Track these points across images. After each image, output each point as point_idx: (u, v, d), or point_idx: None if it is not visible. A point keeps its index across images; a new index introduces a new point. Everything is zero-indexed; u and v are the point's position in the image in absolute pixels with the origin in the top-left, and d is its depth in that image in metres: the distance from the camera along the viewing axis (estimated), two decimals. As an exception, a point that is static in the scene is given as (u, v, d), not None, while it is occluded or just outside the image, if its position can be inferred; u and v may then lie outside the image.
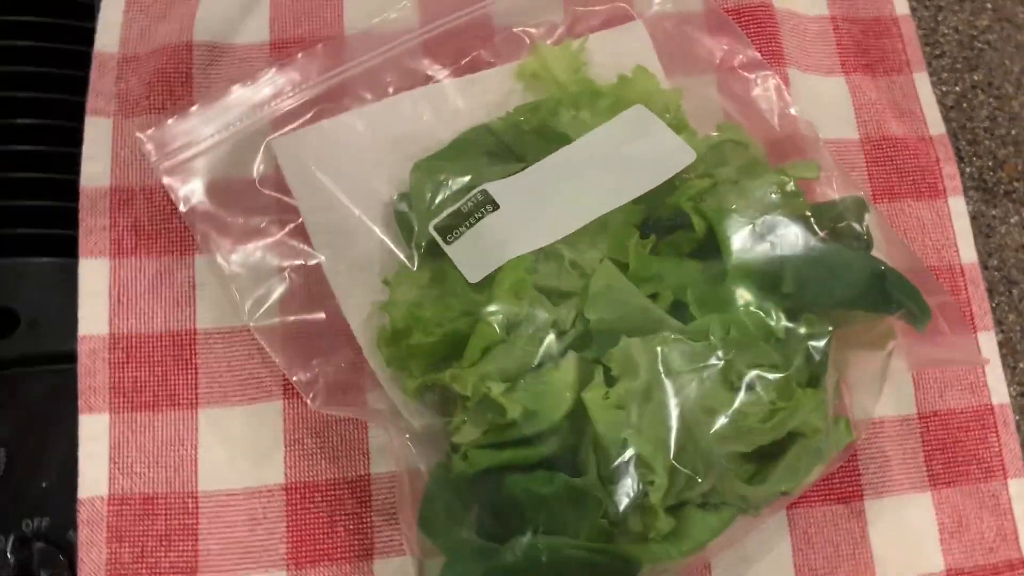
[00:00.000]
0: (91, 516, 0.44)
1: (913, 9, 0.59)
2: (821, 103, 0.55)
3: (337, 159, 0.46)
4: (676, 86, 0.49)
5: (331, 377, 0.44)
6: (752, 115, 0.49)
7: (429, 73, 0.50)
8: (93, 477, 0.45)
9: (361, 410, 0.45)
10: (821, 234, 0.43)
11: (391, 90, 0.49)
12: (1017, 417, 0.51)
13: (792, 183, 0.44)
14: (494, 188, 0.44)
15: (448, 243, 0.43)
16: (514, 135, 0.47)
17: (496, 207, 0.43)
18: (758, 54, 0.50)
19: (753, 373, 0.40)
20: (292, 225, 0.46)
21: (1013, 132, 0.56)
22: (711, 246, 0.43)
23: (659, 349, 0.40)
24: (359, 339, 0.44)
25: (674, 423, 0.39)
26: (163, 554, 0.45)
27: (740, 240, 0.42)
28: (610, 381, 0.40)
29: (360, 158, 0.46)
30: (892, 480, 0.49)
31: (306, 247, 0.45)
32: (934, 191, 0.54)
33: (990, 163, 0.56)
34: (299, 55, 0.48)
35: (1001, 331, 0.53)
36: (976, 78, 0.58)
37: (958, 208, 0.54)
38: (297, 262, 0.45)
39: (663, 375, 0.39)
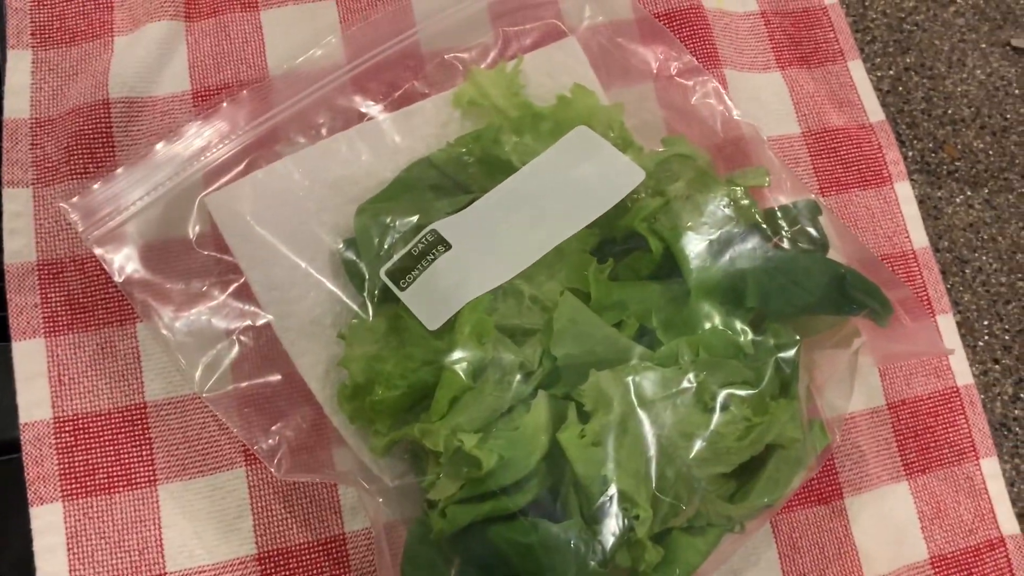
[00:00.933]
0: (54, 614, 0.42)
1: (840, -3, 0.58)
2: (760, 101, 0.55)
3: (275, 210, 0.44)
4: (615, 99, 0.48)
5: (293, 441, 0.42)
6: (694, 123, 0.49)
7: (362, 110, 0.48)
8: (51, 571, 0.43)
9: (329, 473, 0.43)
10: (777, 241, 0.42)
11: (324, 131, 0.47)
12: (982, 395, 0.52)
13: (743, 193, 0.43)
14: (444, 227, 0.42)
15: (402, 289, 0.41)
16: (457, 167, 0.46)
17: (448, 247, 0.42)
18: (694, 59, 0.50)
19: (726, 392, 0.39)
20: (235, 285, 0.44)
21: (949, 111, 0.57)
22: (669, 266, 0.42)
23: (630, 379, 0.39)
24: (319, 398, 0.42)
25: (653, 453, 0.38)
26: (136, 644, 0.42)
27: (698, 258, 0.42)
28: (583, 417, 0.39)
29: (299, 207, 0.44)
30: (869, 474, 0.49)
31: (252, 307, 0.43)
32: (880, 178, 0.55)
33: (931, 145, 0.56)
34: (224, 103, 0.46)
35: (958, 311, 0.53)
36: (909, 60, 0.58)
37: (905, 193, 0.54)
38: (245, 323, 0.43)
39: (637, 406, 0.39)
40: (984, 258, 0.51)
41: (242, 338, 0.43)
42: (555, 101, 0.47)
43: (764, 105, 0.55)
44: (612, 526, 0.38)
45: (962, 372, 0.52)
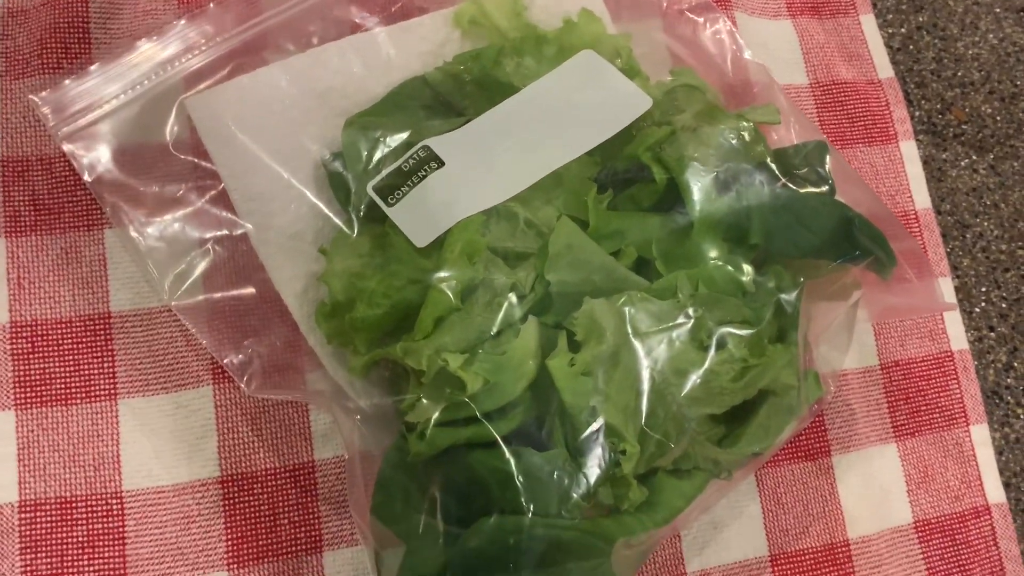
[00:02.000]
0: (1, 525, 0.40)
1: (856, -51, 0.57)
2: (769, 48, 0.53)
3: (259, 117, 0.42)
4: (623, 31, 0.46)
5: (266, 358, 0.40)
6: (704, 59, 0.47)
7: (357, 20, 0.45)
8: (1, 482, 0.40)
9: (302, 392, 0.41)
10: (784, 181, 0.41)
11: (315, 40, 0.44)
12: (976, 362, 0.51)
13: (752, 128, 0.41)
14: (437, 143, 0.40)
15: (390, 205, 0.39)
16: (453, 87, 0.43)
17: (441, 164, 0.40)
18: None
19: (723, 330, 0.38)
20: (213, 192, 0.41)
21: (959, 74, 0.55)
22: (672, 198, 0.40)
23: (626, 310, 0.37)
24: (295, 315, 0.40)
25: (644, 387, 0.37)
26: (86, 562, 0.40)
27: (703, 191, 0.40)
28: (574, 346, 0.37)
29: (285, 116, 0.42)
30: (858, 433, 0.48)
31: (230, 215, 0.41)
32: (885, 136, 0.53)
33: (938, 106, 0.55)
34: (211, 5, 0.43)
35: (957, 276, 0.52)
36: (921, 19, 0.56)
37: (910, 152, 0.53)
38: (221, 232, 0.41)
39: (631, 337, 0.37)
40: (986, 224, 0.50)
41: (217, 248, 0.41)
42: (560, 25, 0.45)
43: (772, 52, 0.53)
44: (597, 459, 0.36)
45: (957, 336, 0.50)
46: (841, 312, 0.43)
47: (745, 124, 0.41)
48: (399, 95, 0.43)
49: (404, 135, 0.41)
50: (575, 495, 0.36)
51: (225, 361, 0.39)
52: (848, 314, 0.44)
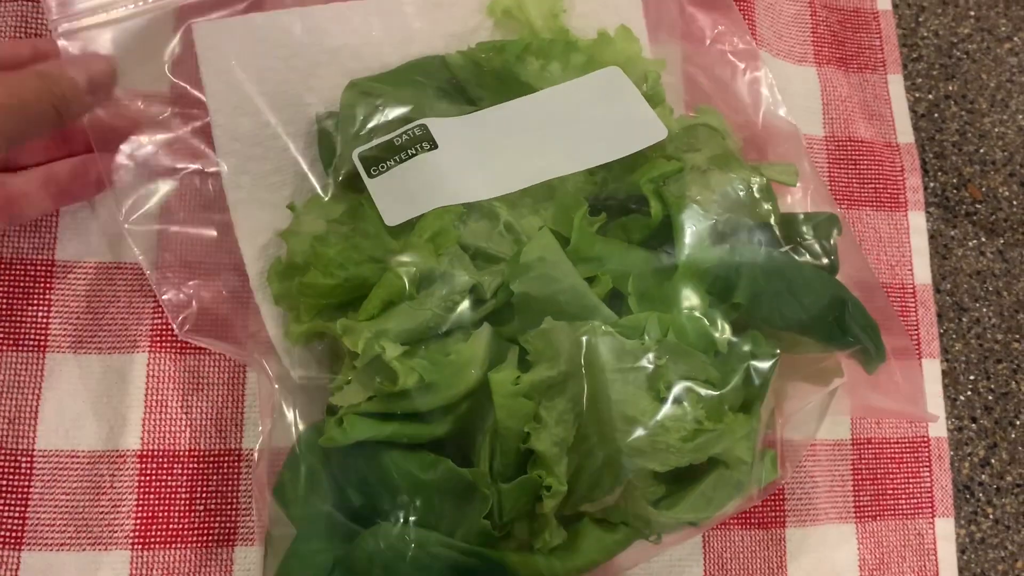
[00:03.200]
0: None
1: (895, 6, 0.54)
2: (788, 93, 0.51)
3: (264, 60, 0.40)
4: (658, 56, 0.44)
5: (207, 303, 0.38)
6: (733, 104, 0.44)
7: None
8: (-93, 420, 0.38)
9: (234, 348, 0.39)
10: (786, 247, 0.38)
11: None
12: (952, 452, 0.48)
13: (765, 185, 0.39)
14: (436, 125, 0.38)
15: (371, 176, 0.37)
16: (472, 73, 0.41)
17: (434, 146, 0.38)
18: (752, 41, 0.45)
19: (684, 385, 0.35)
20: (197, 123, 0.39)
21: (981, 151, 0.53)
22: (663, 236, 0.38)
23: (585, 338, 0.34)
24: (248, 267, 0.38)
25: (586, 425, 0.34)
26: (-16, 517, 0.38)
27: (696, 235, 0.37)
28: (524, 365, 0.35)
29: (290, 63, 0.40)
30: (817, 508, 0.45)
31: (208, 150, 0.39)
32: (895, 203, 0.51)
33: (954, 180, 0.52)
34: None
35: (946, 360, 0.50)
36: (951, 88, 0.54)
37: (918, 224, 0.50)
38: (194, 166, 0.39)
39: (584, 369, 0.34)
40: (984, 310, 0.47)
41: (185, 180, 0.39)
42: (595, 36, 0.43)
43: (791, 98, 0.51)
44: (519, 489, 0.34)
45: (937, 423, 0.48)
46: (816, 397, 0.41)
47: (757, 179, 0.39)
48: (413, 69, 0.42)
49: (405, 109, 0.39)
50: (486, 521, 0.33)
51: (164, 297, 0.37)
52: (823, 401, 0.41)
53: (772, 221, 0.39)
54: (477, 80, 0.41)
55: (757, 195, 0.39)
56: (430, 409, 0.34)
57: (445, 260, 0.35)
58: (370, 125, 0.39)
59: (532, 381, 0.34)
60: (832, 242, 0.40)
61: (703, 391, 0.35)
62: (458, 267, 0.35)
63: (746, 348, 0.37)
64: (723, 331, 0.36)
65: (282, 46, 0.40)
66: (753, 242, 0.38)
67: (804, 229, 0.40)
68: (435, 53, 0.42)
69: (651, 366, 0.35)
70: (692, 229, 0.37)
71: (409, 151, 0.38)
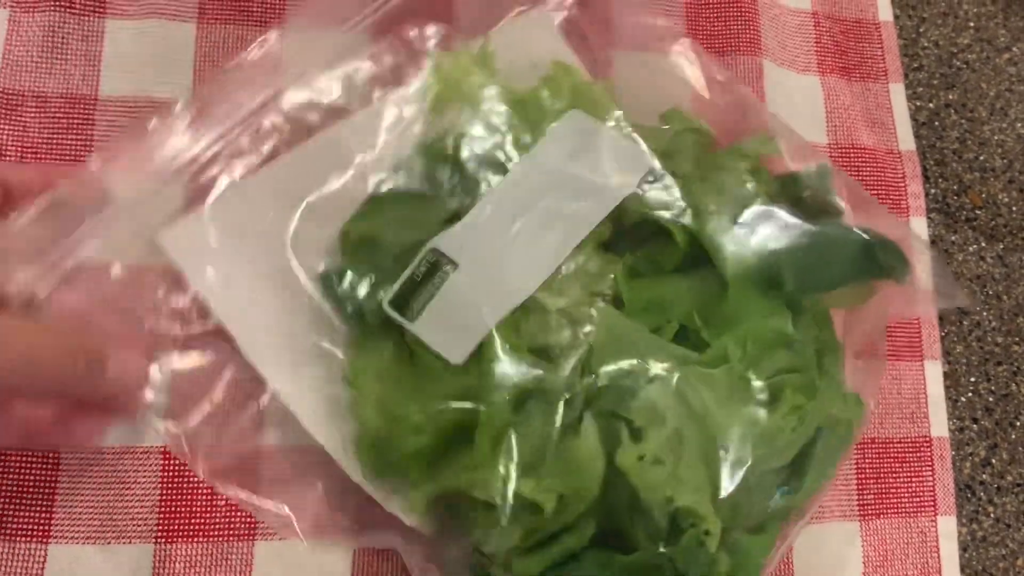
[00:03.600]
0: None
1: (896, 17, 0.56)
2: (793, 102, 0.52)
3: (241, 242, 0.38)
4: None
5: (311, 510, 0.37)
6: (674, 90, 0.44)
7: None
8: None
9: (369, 537, 0.38)
10: (802, 218, 0.39)
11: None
12: (953, 452, 0.49)
13: (758, 166, 0.40)
14: (445, 242, 0.37)
15: (412, 320, 0.36)
16: (436, 170, 0.40)
17: (455, 265, 0.37)
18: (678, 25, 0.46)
19: (776, 382, 0.36)
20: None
21: (981, 158, 0.54)
22: (695, 253, 0.38)
23: (683, 387, 0.35)
24: (332, 452, 0.37)
25: (713, 461, 0.35)
26: (11, 514, 0.39)
27: (730, 245, 0.38)
28: (635, 434, 0.35)
29: (267, 236, 0.38)
30: (823, 506, 0.46)
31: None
32: (897, 208, 0.52)
33: (955, 187, 0.54)
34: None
35: (947, 362, 0.51)
36: (951, 97, 0.55)
37: (919, 229, 0.52)
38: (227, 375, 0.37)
39: (691, 415, 0.35)
40: (985, 314, 0.49)
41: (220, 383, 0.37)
42: (535, 83, 0.41)
43: (795, 107, 0.52)
44: (685, 545, 0.34)
45: (939, 423, 0.49)
46: (870, 318, 0.42)
47: (750, 164, 0.40)
48: (383, 193, 0.40)
49: (406, 237, 0.38)
50: None
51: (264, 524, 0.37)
52: (877, 319, 0.43)
53: (779, 196, 0.40)
54: (444, 174, 0.40)
55: (756, 179, 0.40)
56: (577, 517, 0.34)
57: (526, 373, 0.35)
58: (383, 268, 0.37)
59: (652, 448, 0.34)
60: (833, 191, 0.41)
61: (794, 380, 0.37)
62: (541, 375, 0.35)
63: (808, 322, 0.39)
64: (787, 319, 0.38)
65: (249, 222, 0.38)
66: (776, 226, 0.39)
67: (804, 187, 0.41)
68: (388, 165, 0.40)
69: (746, 382, 0.36)
70: (722, 240, 0.38)
71: (434, 280, 0.37)
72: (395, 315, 0.36)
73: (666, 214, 0.38)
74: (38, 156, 0.43)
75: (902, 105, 0.54)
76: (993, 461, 0.49)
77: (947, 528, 0.48)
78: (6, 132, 0.43)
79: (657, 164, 0.39)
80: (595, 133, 0.40)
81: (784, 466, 0.37)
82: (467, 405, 0.35)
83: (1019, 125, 0.55)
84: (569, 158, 0.39)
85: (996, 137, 0.55)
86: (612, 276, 0.37)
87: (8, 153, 0.42)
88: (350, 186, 0.39)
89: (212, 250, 0.37)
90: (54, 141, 0.43)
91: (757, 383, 0.36)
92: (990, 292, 0.52)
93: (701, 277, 0.38)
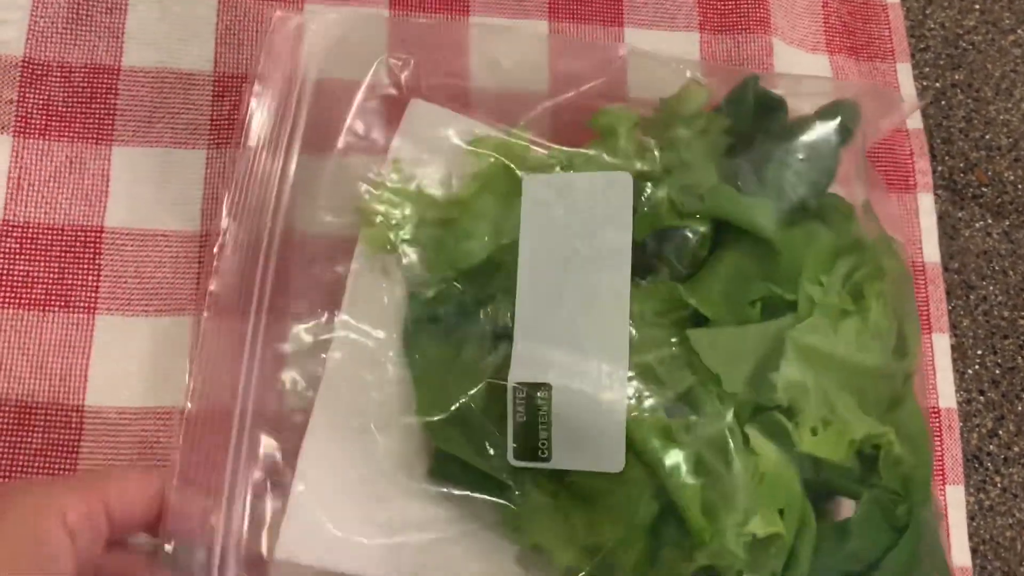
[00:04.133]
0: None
1: (903, -2, 0.57)
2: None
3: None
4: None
5: None
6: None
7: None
8: (-35, 377, 0.40)
9: None
10: (765, 134, 0.40)
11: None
12: (961, 423, 0.50)
13: (701, 116, 0.40)
14: (520, 372, 0.36)
15: (550, 459, 0.35)
16: (443, 307, 0.39)
17: (546, 385, 0.35)
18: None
19: (855, 285, 0.38)
20: None
21: (987, 137, 0.55)
22: (722, 231, 0.38)
23: (799, 349, 0.36)
24: None
25: (860, 387, 0.37)
26: (36, 471, 0.39)
27: (750, 210, 0.38)
28: (789, 413, 0.36)
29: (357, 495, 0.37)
30: (832, 474, 0.47)
31: None
32: (905, 185, 0.53)
33: (961, 164, 0.54)
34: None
35: (955, 335, 0.51)
36: (957, 77, 0.56)
37: (926, 205, 0.52)
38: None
39: (823, 370, 0.36)
40: (991, 288, 0.49)
41: None
42: (466, 179, 0.40)
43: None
44: (884, 470, 0.37)
45: (947, 395, 0.50)
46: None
47: (699, 123, 0.40)
48: (418, 377, 0.38)
49: (478, 387, 0.36)
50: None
51: None
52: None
53: (743, 133, 0.40)
54: (456, 306, 0.39)
55: (715, 128, 0.40)
56: (797, 523, 0.36)
57: (685, 438, 0.35)
58: (477, 430, 0.36)
59: (814, 414, 0.36)
60: (762, 88, 0.42)
61: (863, 273, 0.39)
62: (697, 431, 0.35)
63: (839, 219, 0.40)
64: (825, 230, 0.39)
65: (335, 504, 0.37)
66: (760, 160, 0.39)
67: (749, 102, 0.41)
68: (397, 341, 0.39)
69: (838, 308, 0.37)
70: (744, 209, 0.38)
71: (540, 412, 0.35)
72: (529, 464, 0.35)
73: (676, 217, 0.38)
74: (63, 125, 0.44)
75: (909, 84, 0.54)
76: (1000, 432, 0.50)
77: (955, 497, 0.48)
78: (31, 102, 0.44)
79: (629, 178, 0.38)
80: (563, 185, 0.39)
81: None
82: (653, 499, 0.34)
83: (1024, 105, 0.56)
84: (558, 223, 0.38)
85: (1002, 117, 0.56)
86: (676, 298, 0.37)
87: (33, 122, 0.43)
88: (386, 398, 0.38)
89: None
90: (78, 111, 0.44)
91: (845, 300, 0.37)
92: (996, 268, 0.53)
93: (739, 249, 0.38)
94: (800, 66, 0.53)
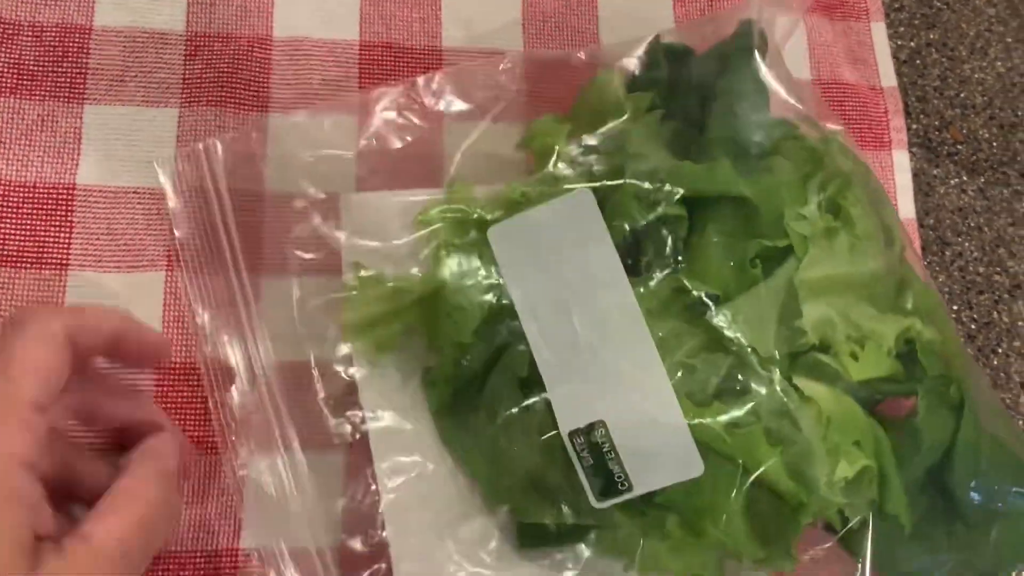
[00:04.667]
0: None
1: (877, -41, 0.57)
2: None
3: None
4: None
5: None
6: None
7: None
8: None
9: None
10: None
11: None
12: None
13: (628, 98, 0.41)
14: (570, 417, 0.35)
15: (631, 490, 0.35)
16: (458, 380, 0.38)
17: (601, 423, 0.35)
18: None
19: (831, 196, 0.39)
20: None
21: (962, 95, 0.55)
22: (698, 209, 0.38)
23: (820, 282, 0.37)
24: None
25: (867, 282, 0.38)
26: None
27: (716, 167, 0.38)
28: (824, 349, 0.37)
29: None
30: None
31: None
32: (880, 142, 0.53)
33: (936, 123, 0.55)
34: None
35: (930, 290, 0.52)
36: (932, 36, 0.56)
37: (901, 162, 0.53)
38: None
39: (841, 298, 0.37)
40: (967, 244, 0.50)
41: None
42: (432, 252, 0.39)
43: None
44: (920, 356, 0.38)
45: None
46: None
47: (628, 108, 0.40)
48: (465, 454, 0.38)
49: (540, 439, 0.36)
50: None
51: None
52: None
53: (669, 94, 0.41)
54: (473, 374, 0.38)
55: (637, 106, 0.40)
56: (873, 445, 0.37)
57: (754, 423, 0.35)
58: (555, 487, 0.36)
59: (877, 344, 0.37)
60: (662, 47, 0.42)
61: (838, 182, 0.39)
62: (764, 404, 0.36)
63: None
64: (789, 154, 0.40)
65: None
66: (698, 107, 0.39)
67: (654, 63, 0.42)
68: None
69: (834, 228, 0.38)
70: (700, 173, 0.38)
71: (602, 451, 0.35)
72: (616, 501, 0.35)
73: (647, 212, 0.38)
74: (35, 84, 0.44)
75: (884, 43, 0.55)
76: (976, 386, 0.50)
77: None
78: (2, 61, 0.44)
79: (589, 193, 0.38)
80: (522, 224, 0.38)
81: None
82: (739, 487, 0.35)
83: (999, 64, 0.56)
84: (541, 255, 0.38)
85: (977, 75, 0.56)
86: (678, 288, 0.37)
87: (5, 80, 0.43)
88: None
89: None
90: (49, 70, 0.44)
91: (828, 220, 0.37)
92: (971, 224, 0.53)
93: (714, 219, 0.38)
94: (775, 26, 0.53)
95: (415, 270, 0.38)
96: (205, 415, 0.41)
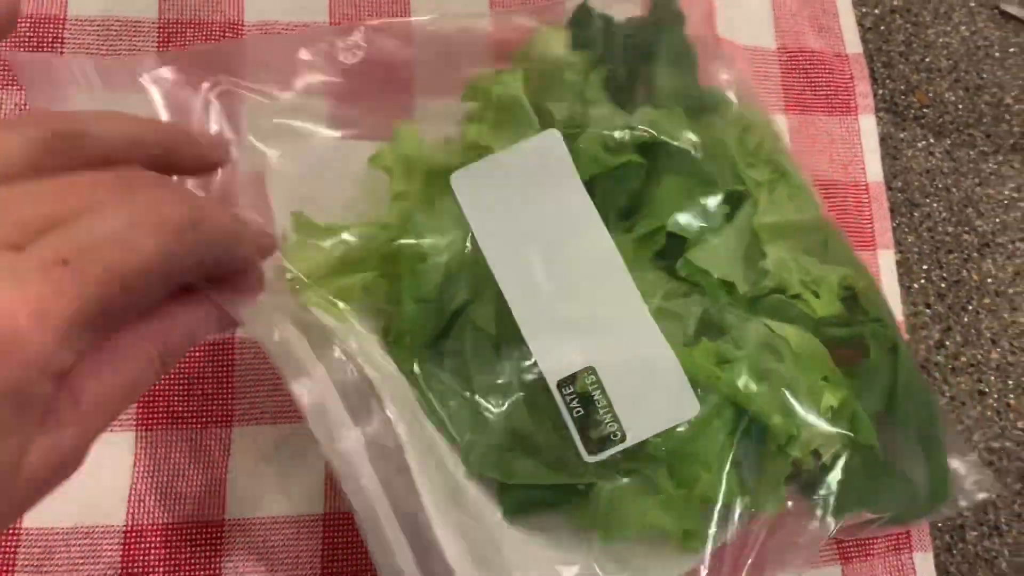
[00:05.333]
0: None
1: (840, -72, 0.58)
2: (742, 7, 0.54)
3: None
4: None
5: None
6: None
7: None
8: None
9: None
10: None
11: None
12: (908, 336, 0.51)
13: (572, 55, 0.41)
14: (553, 365, 0.34)
15: (626, 439, 0.33)
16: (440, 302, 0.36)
17: (590, 369, 0.34)
18: None
19: (766, 157, 0.41)
20: None
21: (927, 59, 0.56)
22: (652, 162, 0.38)
23: (776, 227, 0.38)
24: None
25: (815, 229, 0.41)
26: None
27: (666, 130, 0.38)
28: (781, 292, 0.38)
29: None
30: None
31: None
32: (846, 107, 0.54)
33: (902, 87, 0.56)
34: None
35: (900, 251, 0.53)
36: (896, 3, 0.57)
37: (868, 126, 0.53)
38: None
39: (792, 242, 0.39)
40: (935, 205, 0.50)
41: None
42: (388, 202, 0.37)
43: (745, 12, 0.54)
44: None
45: (894, 309, 0.50)
46: None
47: (575, 64, 0.41)
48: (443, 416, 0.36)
49: (510, 408, 0.34)
50: None
51: None
52: None
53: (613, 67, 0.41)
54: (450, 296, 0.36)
55: (589, 81, 0.40)
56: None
57: (752, 353, 0.35)
58: (540, 451, 0.34)
59: (828, 287, 0.39)
60: (594, 19, 0.42)
61: (768, 145, 0.41)
62: (726, 331, 0.36)
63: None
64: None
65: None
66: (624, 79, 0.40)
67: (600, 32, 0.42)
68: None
69: (780, 179, 0.39)
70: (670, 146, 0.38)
71: (595, 399, 0.34)
72: (608, 453, 0.33)
73: (610, 157, 0.37)
74: (10, 75, 0.44)
75: (848, 11, 0.55)
76: (947, 343, 0.51)
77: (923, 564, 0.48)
78: (-21, 53, 0.44)
79: (557, 134, 0.37)
80: (498, 167, 0.36)
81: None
82: (729, 429, 0.35)
83: (963, 28, 0.57)
84: (511, 209, 0.36)
85: (941, 40, 0.57)
86: (647, 234, 0.37)
87: (-19, 72, 0.44)
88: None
89: None
90: (26, 60, 0.45)
91: (768, 172, 0.38)
92: (939, 185, 0.54)
93: (670, 171, 0.38)
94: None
95: (365, 219, 0.36)
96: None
